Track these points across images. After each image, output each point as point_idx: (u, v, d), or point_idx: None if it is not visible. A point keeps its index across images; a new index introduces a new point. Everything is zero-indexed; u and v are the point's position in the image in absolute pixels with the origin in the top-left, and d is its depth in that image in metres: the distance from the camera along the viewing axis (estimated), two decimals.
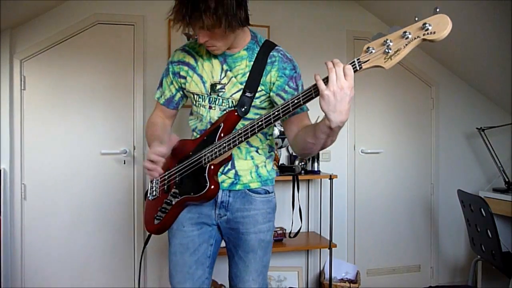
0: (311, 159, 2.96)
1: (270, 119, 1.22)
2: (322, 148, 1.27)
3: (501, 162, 3.23)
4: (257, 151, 1.50)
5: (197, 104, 1.49)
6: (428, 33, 0.97)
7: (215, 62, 1.44)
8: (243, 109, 1.38)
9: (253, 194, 1.49)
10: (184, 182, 1.44)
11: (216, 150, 1.35)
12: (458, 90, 3.44)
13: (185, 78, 1.49)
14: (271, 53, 1.42)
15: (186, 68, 1.49)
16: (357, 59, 1.07)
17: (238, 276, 1.52)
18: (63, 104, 2.69)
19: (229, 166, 1.46)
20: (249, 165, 1.48)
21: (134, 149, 2.78)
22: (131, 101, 2.78)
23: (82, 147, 2.72)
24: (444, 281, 3.43)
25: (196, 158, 1.40)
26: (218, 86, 1.43)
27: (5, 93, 2.56)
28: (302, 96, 1.15)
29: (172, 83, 1.54)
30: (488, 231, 2.39)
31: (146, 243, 1.67)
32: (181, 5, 1.22)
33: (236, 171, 1.47)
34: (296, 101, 1.17)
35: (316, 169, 2.92)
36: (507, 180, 3.18)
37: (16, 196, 2.61)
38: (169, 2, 1.30)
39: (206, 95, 1.45)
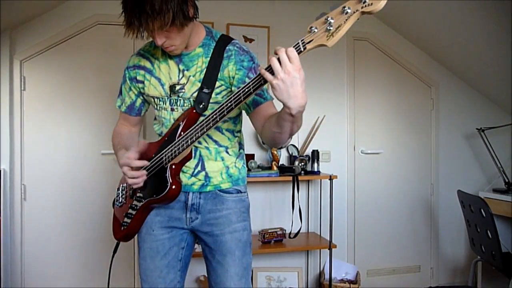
0: (311, 160, 2.96)
1: (224, 112, 1.19)
2: (291, 135, 1.24)
3: (501, 163, 3.23)
4: (227, 151, 1.46)
5: (158, 108, 1.46)
6: (366, 6, 0.96)
7: (171, 62, 1.41)
8: (201, 106, 1.35)
9: (224, 194, 1.45)
10: (148, 185, 1.40)
11: (175, 149, 1.32)
12: (458, 90, 3.45)
13: (142, 82, 1.46)
14: (227, 48, 1.38)
15: (142, 72, 1.46)
16: (301, 40, 1.05)
17: (218, 283, 1.44)
18: (63, 105, 2.69)
19: (199, 168, 1.43)
20: (219, 167, 1.45)
21: None
22: None
23: (82, 148, 2.72)
24: (444, 281, 3.43)
25: (157, 160, 1.38)
26: (178, 87, 1.40)
27: (5, 93, 2.56)
28: (252, 84, 1.12)
29: (130, 89, 1.52)
30: (488, 231, 2.39)
31: (114, 251, 1.59)
32: (127, 12, 1.22)
33: (206, 173, 1.43)
34: (246, 90, 1.14)
35: (316, 169, 2.92)
36: (507, 180, 3.18)
37: (16, 196, 2.61)
38: None
39: (166, 97, 1.42)
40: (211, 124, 1.23)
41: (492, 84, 3.31)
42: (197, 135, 1.27)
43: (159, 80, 1.43)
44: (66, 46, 2.68)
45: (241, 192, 1.49)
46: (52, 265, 2.67)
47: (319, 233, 3.05)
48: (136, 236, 1.53)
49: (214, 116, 1.22)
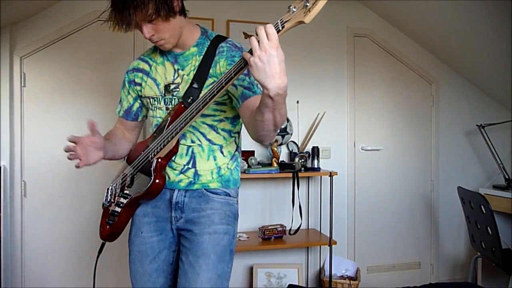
0: (311, 156, 2.97)
1: (206, 99, 1.18)
2: (276, 126, 1.16)
3: (501, 159, 3.23)
4: (221, 151, 1.42)
5: (153, 107, 1.46)
6: None
7: (167, 64, 1.43)
8: (189, 100, 1.33)
9: (211, 194, 1.40)
10: (135, 181, 1.41)
11: (160, 142, 1.32)
12: (458, 87, 3.44)
13: (140, 84, 1.49)
14: (219, 45, 1.38)
15: (140, 74, 1.49)
16: (280, 20, 1.02)
17: None
18: (63, 101, 2.69)
19: (189, 166, 1.40)
20: (211, 166, 1.41)
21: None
22: None
23: None
24: (444, 278, 3.43)
25: (144, 155, 1.37)
26: (172, 86, 1.41)
27: (5, 90, 2.56)
28: (234, 68, 1.11)
29: (129, 92, 1.54)
30: (488, 228, 2.39)
31: (100, 251, 1.55)
32: (112, 6, 1.25)
33: (196, 171, 1.40)
34: (228, 75, 1.12)
35: (316, 166, 2.92)
36: (507, 177, 3.18)
37: (16, 193, 2.61)
38: None
39: (160, 97, 1.43)
40: (194, 113, 1.22)
41: (492, 80, 3.30)
42: (181, 125, 1.26)
43: (154, 80, 1.45)
44: (66, 42, 2.68)
45: (230, 196, 1.44)
46: (52, 262, 2.68)
47: (319, 230, 3.05)
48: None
49: (197, 105, 1.21)
